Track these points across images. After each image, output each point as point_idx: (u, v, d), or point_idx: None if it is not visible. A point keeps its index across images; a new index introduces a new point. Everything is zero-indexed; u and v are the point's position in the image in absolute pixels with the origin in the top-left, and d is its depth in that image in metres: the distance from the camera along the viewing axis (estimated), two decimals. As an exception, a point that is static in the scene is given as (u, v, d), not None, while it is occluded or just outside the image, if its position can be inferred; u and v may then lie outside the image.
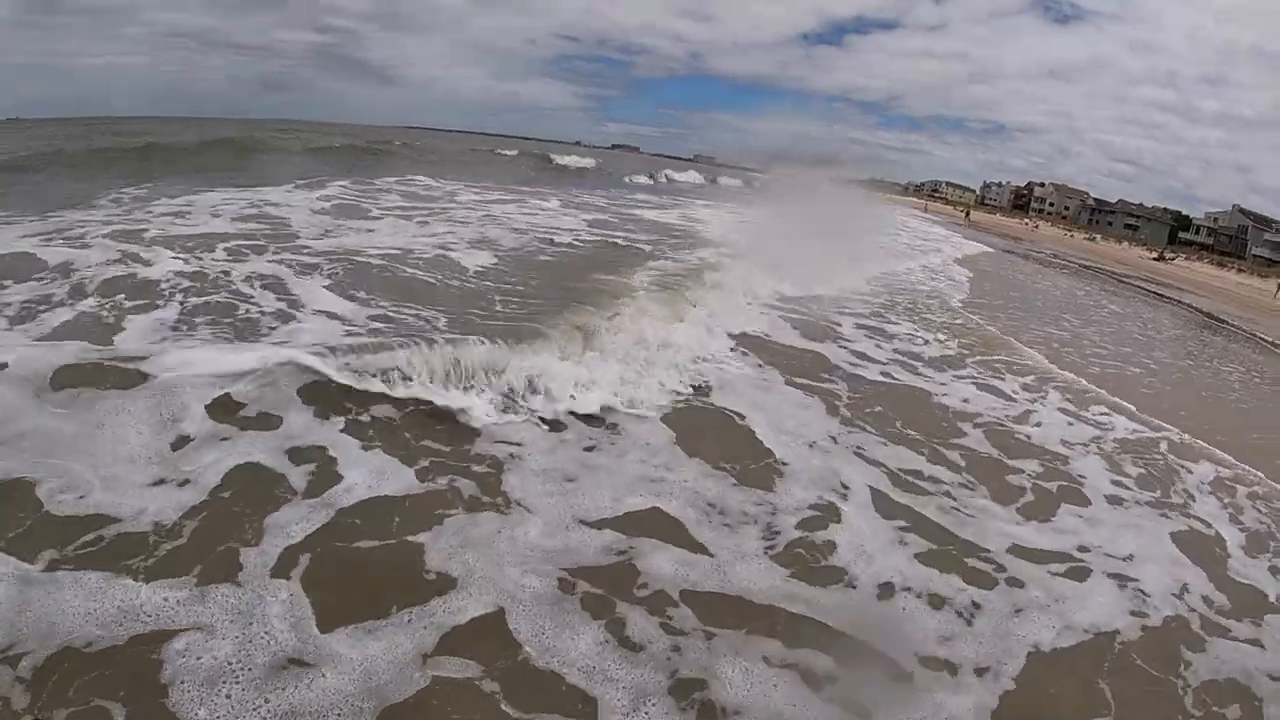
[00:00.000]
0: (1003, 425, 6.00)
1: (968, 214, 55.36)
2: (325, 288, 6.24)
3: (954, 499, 4.51)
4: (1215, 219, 72.62)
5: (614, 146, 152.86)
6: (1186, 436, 6.50)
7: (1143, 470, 5.54)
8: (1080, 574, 3.96)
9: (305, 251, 7.44)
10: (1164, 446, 6.14)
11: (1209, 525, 4.82)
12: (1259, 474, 5.85)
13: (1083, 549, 4.21)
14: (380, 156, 23.67)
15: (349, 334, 5.07)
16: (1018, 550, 4.06)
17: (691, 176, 41.17)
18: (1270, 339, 16.52)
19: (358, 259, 7.36)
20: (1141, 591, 3.88)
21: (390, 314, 5.68)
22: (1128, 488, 5.18)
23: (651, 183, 33.95)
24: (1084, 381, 7.94)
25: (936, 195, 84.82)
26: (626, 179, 32.29)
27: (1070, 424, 6.36)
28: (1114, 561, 4.13)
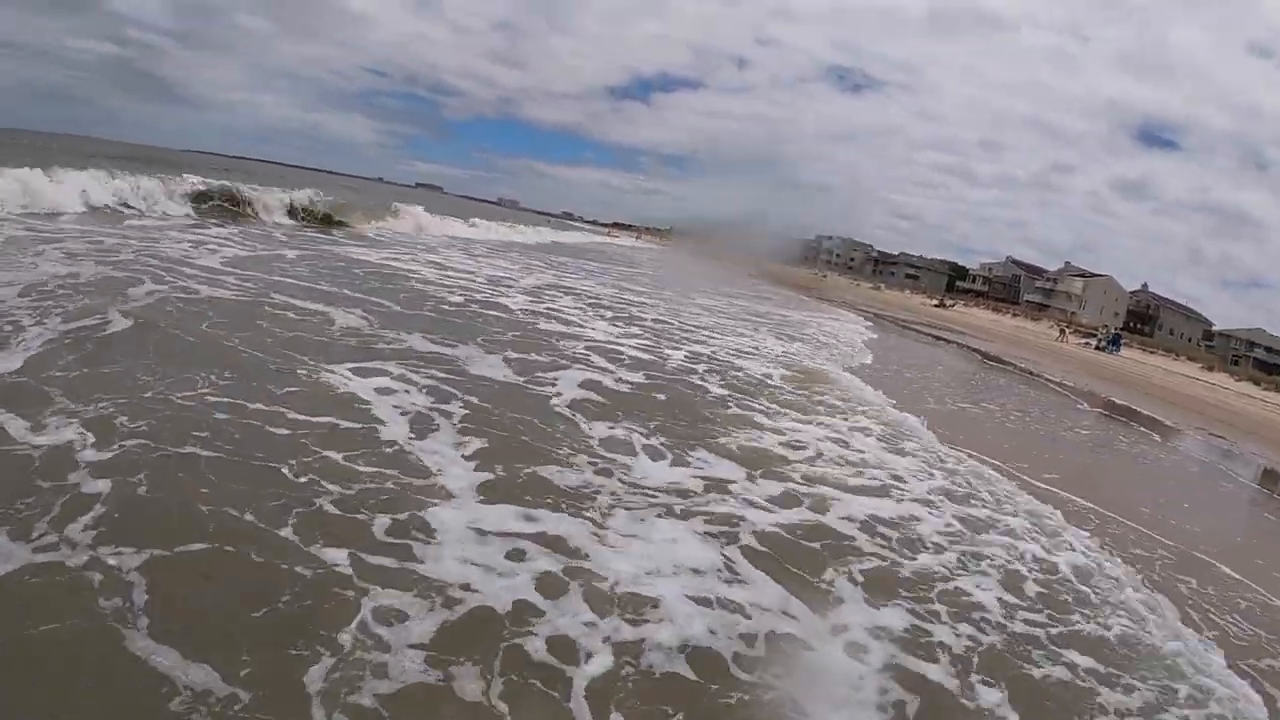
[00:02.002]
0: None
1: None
2: None
3: None
4: (990, 269, 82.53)
5: (418, 185, 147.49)
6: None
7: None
8: None
9: None
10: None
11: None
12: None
13: None
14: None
15: None
16: None
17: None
18: (1056, 379, 17.39)
19: None
20: None
21: None
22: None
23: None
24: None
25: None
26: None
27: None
28: None
